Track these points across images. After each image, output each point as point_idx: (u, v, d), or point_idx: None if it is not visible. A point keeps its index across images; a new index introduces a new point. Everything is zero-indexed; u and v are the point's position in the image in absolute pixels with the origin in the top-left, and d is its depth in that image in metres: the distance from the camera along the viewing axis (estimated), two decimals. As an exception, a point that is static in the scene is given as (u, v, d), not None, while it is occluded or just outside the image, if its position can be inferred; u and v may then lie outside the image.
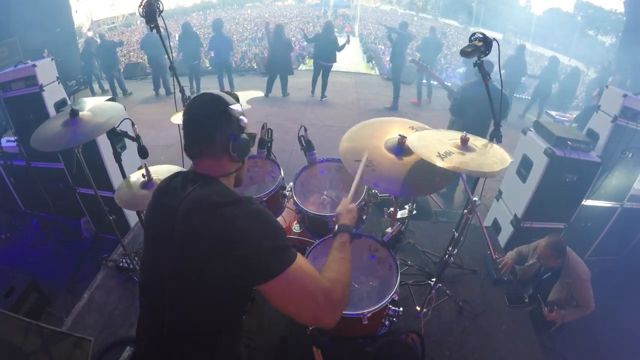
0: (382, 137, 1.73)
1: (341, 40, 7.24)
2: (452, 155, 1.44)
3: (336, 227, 1.31)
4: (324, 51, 7.11)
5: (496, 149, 1.55)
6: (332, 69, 7.49)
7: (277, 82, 7.50)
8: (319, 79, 7.48)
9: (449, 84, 4.27)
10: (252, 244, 0.95)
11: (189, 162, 1.16)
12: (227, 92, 1.17)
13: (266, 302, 0.99)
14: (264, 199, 1.88)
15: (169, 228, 1.02)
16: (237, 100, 1.17)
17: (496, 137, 1.67)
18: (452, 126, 4.04)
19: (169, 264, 1.02)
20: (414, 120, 1.86)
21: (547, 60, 7.60)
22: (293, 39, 11.15)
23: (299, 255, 1.01)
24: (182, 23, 7.77)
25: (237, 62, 10.87)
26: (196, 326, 1.03)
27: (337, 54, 7.21)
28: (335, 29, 7.63)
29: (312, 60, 7.59)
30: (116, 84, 7.75)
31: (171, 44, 2.25)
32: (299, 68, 11.26)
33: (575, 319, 2.52)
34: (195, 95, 1.16)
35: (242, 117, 1.12)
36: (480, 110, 3.15)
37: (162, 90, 7.87)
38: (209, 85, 7.96)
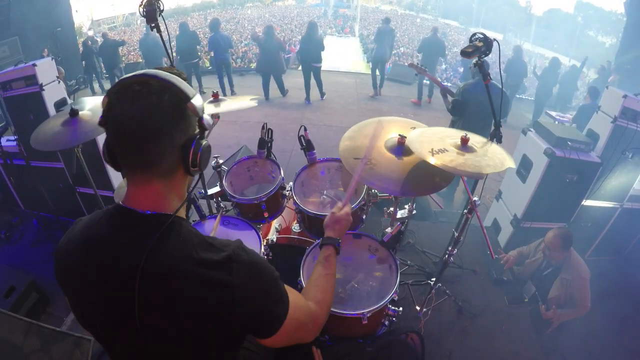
0: (382, 137, 1.73)
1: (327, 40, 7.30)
2: (445, 152, 1.42)
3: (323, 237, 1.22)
4: (310, 52, 6.99)
5: (496, 151, 1.53)
6: (332, 69, 7.47)
7: (273, 84, 7.47)
8: (312, 80, 7.37)
9: (448, 84, 4.28)
10: (254, 308, 0.82)
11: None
12: (172, 70, 0.82)
13: None
14: (264, 199, 1.88)
15: (128, 300, 0.75)
16: (186, 80, 0.83)
17: (496, 137, 1.67)
18: (452, 126, 4.03)
19: (138, 338, 0.79)
20: (415, 121, 1.86)
21: (548, 62, 7.59)
22: (291, 39, 11.12)
23: (287, 289, 0.90)
24: (180, 23, 7.79)
25: (236, 62, 10.86)
26: None
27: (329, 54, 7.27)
28: (333, 28, 7.64)
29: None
30: None
31: (171, 44, 2.24)
32: (298, 68, 11.22)
33: (571, 318, 2.53)
34: (128, 77, 0.76)
35: (205, 116, 0.83)
36: (480, 110, 3.16)
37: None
38: (209, 85, 7.95)
